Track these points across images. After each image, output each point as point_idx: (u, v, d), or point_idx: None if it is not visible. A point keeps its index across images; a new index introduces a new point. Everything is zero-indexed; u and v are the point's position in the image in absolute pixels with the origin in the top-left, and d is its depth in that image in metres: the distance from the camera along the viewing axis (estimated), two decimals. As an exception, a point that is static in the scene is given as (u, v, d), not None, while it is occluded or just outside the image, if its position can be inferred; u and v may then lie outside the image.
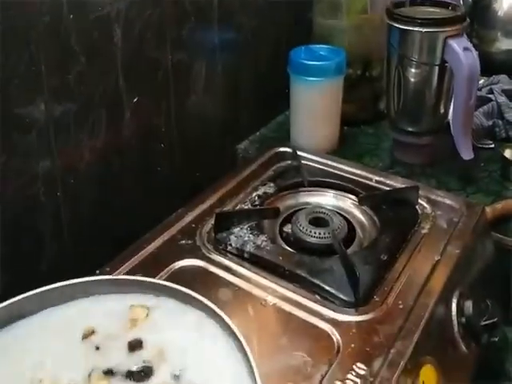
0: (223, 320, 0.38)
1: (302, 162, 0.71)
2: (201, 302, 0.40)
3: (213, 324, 0.40)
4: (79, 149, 0.60)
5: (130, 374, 0.37)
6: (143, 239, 0.59)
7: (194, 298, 0.40)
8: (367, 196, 0.65)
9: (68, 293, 0.42)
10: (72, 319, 0.41)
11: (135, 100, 0.66)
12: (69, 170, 0.60)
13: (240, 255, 0.57)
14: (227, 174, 0.71)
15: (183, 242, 0.59)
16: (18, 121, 0.54)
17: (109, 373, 0.37)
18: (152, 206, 0.69)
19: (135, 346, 0.40)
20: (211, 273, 0.55)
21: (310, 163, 0.72)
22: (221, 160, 0.82)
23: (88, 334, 0.40)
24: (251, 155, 0.83)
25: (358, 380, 0.45)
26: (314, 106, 0.82)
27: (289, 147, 0.75)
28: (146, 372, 0.38)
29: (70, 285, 0.42)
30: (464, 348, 0.55)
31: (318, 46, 0.85)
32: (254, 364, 0.34)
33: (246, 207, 0.63)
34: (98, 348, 0.39)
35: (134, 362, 0.38)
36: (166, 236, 0.59)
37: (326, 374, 0.45)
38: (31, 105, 0.54)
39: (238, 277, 0.55)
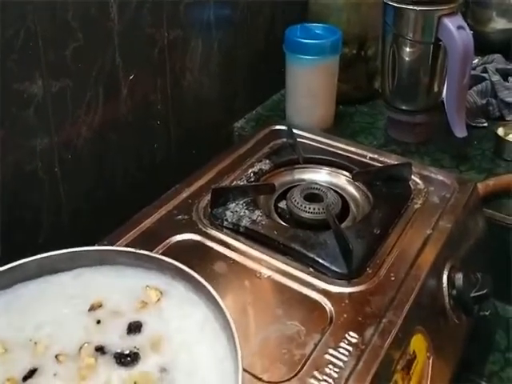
0: (227, 322, 0.38)
1: (298, 139, 0.72)
2: (212, 296, 0.39)
3: (215, 323, 0.39)
4: (76, 125, 0.61)
5: (118, 356, 0.38)
6: (140, 214, 0.60)
7: (208, 290, 0.40)
8: (361, 172, 0.66)
9: (86, 259, 0.43)
10: (86, 287, 0.42)
11: (131, 77, 0.66)
12: (66, 146, 0.60)
13: (235, 230, 0.58)
14: (223, 152, 0.71)
15: (180, 217, 0.60)
16: (16, 96, 0.54)
17: (99, 350, 0.38)
18: (148, 183, 0.69)
19: (134, 328, 0.40)
20: (207, 247, 0.56)
21: (305, 141, 0.73)
22: (217, 138, 0.83)
23: (95, 307, 0.41)
24: (247, 133, 0.84)
25: (350, 348, 0.46)
26: (310, 85, 0.83)
27: (284, 125, 0.76)
28: (134, 358, 0.37)
29: (91, 251, 0.43)
30: (455, 319, 0.56)
31: (313, 24, 0.85)
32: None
33: (242, 183, 0.64)
34: (98, 322, 0.40)
35: (127, 345, 0.38)
36: (162, 211, 0.60)
37: (318, 342, 0.47)
38: (29, 80, 0.55)
39: (233, 250, 0.56)
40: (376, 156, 0.71)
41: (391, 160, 0.70)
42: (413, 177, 0.67)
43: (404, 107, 0.82)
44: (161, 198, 0.62)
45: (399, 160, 0.70)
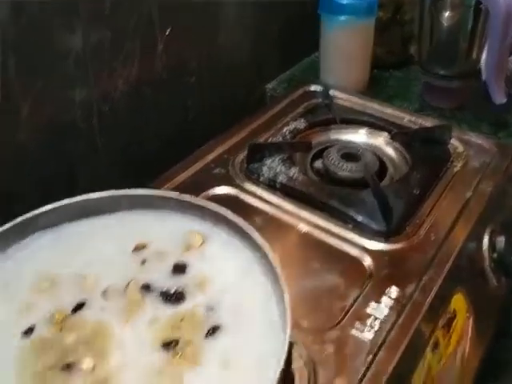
0: (271, 265, 0.37)
1: (333, 100, 0.71)
2: (255, 242, 0.39)
3: (259, 268, 0.39)
4: (114, 78, 0.60)
5: (164, 294, 0.38)
6: (176, 168, 0.59)
7: (251, 236, 0.39)
8: (400, 133, 0.65)
9: (130, 203, 0.42)
10: (131, 229, 0.41)
11: (168, 32, 0.65)
12: (104, 99, 0.59)
13: (272, 185, 0.57)
14: (257, 110, 0.70)
15: (216, 171, 0.59)
16: (55, 47, 0.53)
17: (145, 288, 0.38)
18: (181, 140, 0.69)
19: (179, 269, 0.40)
20: (244, 201, 0.56)
21: (341, 102, 0.72)
22: (248, 99, 0.81)
23: (140, 248, 0.41)
24: (279, 94, 0.82)
25: (391, 302, 0.46)
26: (345, 47, 0.80)
27: (319, 85, 0.74)
28: (180, 296, 0.38)
29: (135, 195, 0.43)
30: (495, 282, 0.55)
31: (349, -16, 0.83)
32: (289, 318, 0.33)
33: (278, 140, 0.63)
34: (143, 262, 0.40)
35: (172, 284, 0.38)
36: (199, 165, 0.60)
37: (359, 295, 0.46)
38: (68, 31, 0.54)
39: (270, 205, 0.55)
40: (414, 118, 0.70)
41: (429, 123, 0.69)
42: (452, 140, 0.66)
43: (441, 72, 0.80)
44: (196, 153, 0.62)
45: (437, 123, 0.68)
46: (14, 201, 0.52)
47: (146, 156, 0.66)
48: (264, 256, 0.38)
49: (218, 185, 0.57)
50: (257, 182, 0.58)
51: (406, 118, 0.70)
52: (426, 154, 0.63)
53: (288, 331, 0.33)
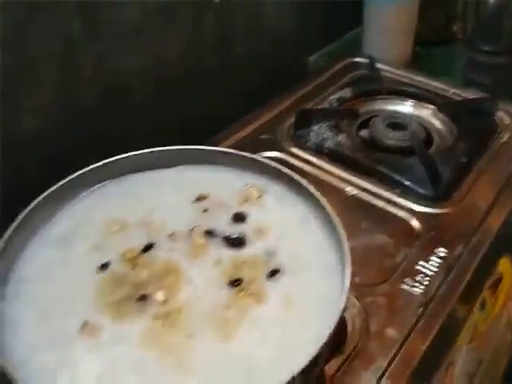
0: (327, 214, 0.39)
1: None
2: (311, 193, 0.40)
3: (316, 220, 0.40)
4: (167, 45, 0.62)
5: (226, 239, 0.39)
6: (224, 132, 0.61)
7: (307, 189, 0.41)
8: (446, 104, 0.65)
9: (190, 158, 0.44)
10: (191, 182, 0.43)
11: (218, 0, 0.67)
12: (157, 64, 0.61)
13: (319, 151, 0.59)
14: (302, 80, 0.71)
15: (264, 136, 0.61)
16: (117, 13, 0.55)
17: (209, 233, 0.40)
18: (228, 107, 0.70)
19: (239, 218, 0.41)
20: (291, 165, 0.57)
21: (386, 74, 0.72)
22: (291, 70, 0.82)
23: (200, 198, 0.42)
24: (322, 66, 0.83)
25: (439, 261, 0.47)
26: (389, 21, 0.80)
27: (363, 57, 0.75)
28: (241, 242, 0.39)
29: (196, 149, 0.44)
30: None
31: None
32: (349, 261, 0.35)
33: (325, 107, 0.64)
34: (205, 211, 0.41)
35: (233, 231, 0.40)
36: (246, 131, 0.61)
37: (408, 254, 0.47)
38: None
39: (317, 169, 0.57)
40: (459, 92, 0.70)
41: (474, 96, 0.69)
42: (498, 113, 0.65)
43: (485, 48, 0.80)
44: (243, 120, 0.63)
45: (484, 95, 0.68)
46: (74, 157, 0.54)
47: (196, 120, 0.67)
48: (320, 207, 0.40)
49: (266, 150, 0.58)
50: (304, 148, 0.59)
51: (452, 91, 0.70)
52: (473, 124, 0.63)
53: (348, 272, 0.34)
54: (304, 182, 0.42)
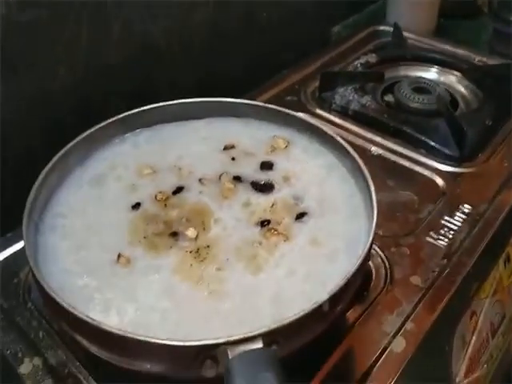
0: (354, 162, 0.39)
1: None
2: (338, 142, 0.41)
3: (342, 168, 0.41)
4: (193, 9, 0.63)
5: (254, 184, 0.40)
6: (249, 95, 0.61)
7: (333, 138, 0.41)
8: (472, 69, 0.65)
9: (218, 109, 0.45)
10: (219, 132, 0.44)
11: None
12: (184, 27, 0.62)
13: (344, 112, 0.59)
14: (326, 47, 0.71)
15: (288, 98, 0.61)
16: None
17: (237, 179, 0.41)
18: (253, 72, 0.71)
19: (266, 166, 0.42)
20: (316, 126, 0.58)
21: (411, 42, 0.72)
22: (314, 42, 0.82)
23: (228, 147, 0.43)
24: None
25: (464, 217, 0.47)
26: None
27: (388, 25, 0.74)
28: (269, 187, 0.40)
29: (223, 102, 0.45)
30: None
31: None
32: (375, 206, 0.35)
33: (351, 70, 0.64)
34: (233, 159, 0.42)
35: (261, 178, 0.41)
36: (271, 93, 0.62)
37: (433, 210, 0.48)
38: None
39: (342, 129, 0.57)
40: (484, 59, 0.69)
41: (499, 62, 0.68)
42: (524, 79, 0.65)
43: (512, 18, 0.79)
44: (268, 83, 0.64)
45: (509, 61, 0.68)
46: (106, 109, 0.56)
47: (219, 83, 0.68)
48: (347, 156, 0.40)
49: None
50: (328, 110, 0.60)
51: (477, 58, 0.69)
52: (498, 90, 0.62)
53: (375, 215, 0.35)
54: (330, 131, 0.43)
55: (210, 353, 0.27)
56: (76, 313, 0.28)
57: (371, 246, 0.33)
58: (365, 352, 0.36)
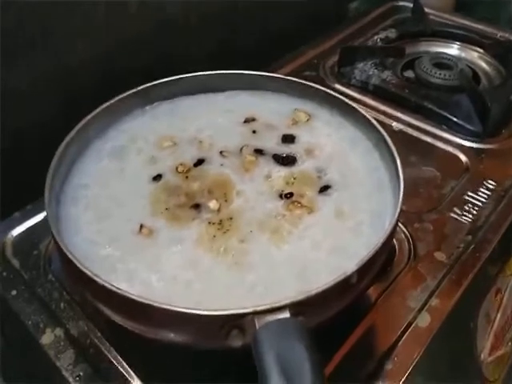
0: (377, 134, 0.38)
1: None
2: (362, 115, 0.40)
3: (365, 141, 0.40)
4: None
5: (276, 157, 0.39)
6: (267, 69, 0.60)
7: (356, 110, 0.40)
8: (494, 44, 0.63)
9: (238, 82, 0.44)
10: (239, 105, 0.43)
11: None
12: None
13: (364, 88, 0.58)
14: (344, 22, 0.70)
15: (307, 73, 0.60)
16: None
17: (258, 151, 0.40)
18: (272, 46, 0.69)
19: (288, 139, 0.41)
20: (335, 102, 0.57)
21: (431, 17, 0.70)
22: (330, 17, 0.81)
23: (249, 120, 0.42)
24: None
25: (489, 193, 0.46)
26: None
27: (407, 0, 0.73)
28: (291, 160, 0.39)
29: (244, 74, 0.44)
30: None
31: None
32: (402, 178, 0.34)
33: (370, 45, 0.63)
34: (254, 132, 0.41)
35: (283, 150, 0.40)
36: (289, 68, 0.61)
37: (456, 185, 0.47)
38: None
39: (362, 105, 0.55)
40: (507, 35, 0.68)
41: (524, 38, 0.66)
42: (549, 55, 0.63)
43: (537, -7, 0.77)
44: (286, 57, 0.63)
45: (534, 38, 0.66)
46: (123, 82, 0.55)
47: (237, 58, 0.67)
48: (370, 128, 0.39)
49: (310, 85, 0.58)
50: (348, 84, 0.58)
51: (500, 34, 0.67)
52: (523, 66, 0.61)
53: (401, 185, 0.34)
54: (353, 104, 0.42)
55: (236, 322, 0.27)
56: (102, 282, 0.27)
57: (398, 218, 0.33)
58: (389, 327, 0.36)
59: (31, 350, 0.36)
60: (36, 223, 0.42)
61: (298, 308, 0.27)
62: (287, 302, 0.27)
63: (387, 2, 0.75)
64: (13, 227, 0.42)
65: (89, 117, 0.38)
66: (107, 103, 0.39)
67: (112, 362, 0.34)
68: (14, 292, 0.37)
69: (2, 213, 0.44)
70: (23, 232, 0.42)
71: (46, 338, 0.35)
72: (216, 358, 0.32)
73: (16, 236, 0.42)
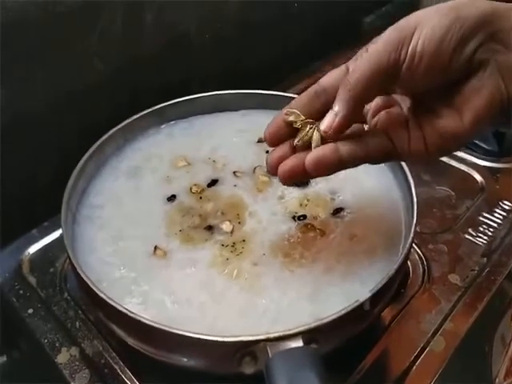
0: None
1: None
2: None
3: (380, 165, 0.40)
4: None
5: (290, 178, 0.40)
6: (281, 85, 0.61)
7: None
8: None
9: (252, 101, 0.45)
10: (253, 124, 0.43)
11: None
12: (216, 17, 0.62)
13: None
14: (358, 38, 0.70)
15: (321, 90, 0.60)
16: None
17: (272, 172, 0.41)
18: (285, 61, 0.70)
19: (301, 160, 0.42)
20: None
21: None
22: (347, 31, 0.81)
23: (262, 140, 0.41)
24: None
25: (504, 214, 0.45)
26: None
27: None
28: (305, 182, 0.39)
29: (258, 94, 0.46)
30: None
31: None
32: (415, 201, 0.35)
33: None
34: (267, 152, 0.40)
35: (298, 172, 0.41)
36: (305, 83, 0.61)
37: (471, 206, 0.46)
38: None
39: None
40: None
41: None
42: None
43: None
44: (300, 73, 0.63)
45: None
46: (138, 100, 0.56)
47: (251, 75, 0.67)
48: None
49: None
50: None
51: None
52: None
53: (415, 207, 0.34)
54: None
55: (249, 349, 0.27)
56: (115, 305, 0.28)
57: (412, 242, 0.33)
58: (403, 351, 0.35)
59: (47, 369, 0.36)
60: (52, 240, 0.42)
61: (310, 335, 0.27)
62: (300, 329, 0.27)
63: (402, 16, 0.75)
64: (30, 244, 0.43)
65: (106, 136, 0.39)
66: (124, 122, 0.40)
67: (126, 383, 0.34)
68: (30, 310, 0.38)
69: (18, 231, 0.45)
70: (40, 249, 0.42)
71: (62, 358, 0.35)
72: (229, 383, 0.32)
73: (33, 253, 0.42)
